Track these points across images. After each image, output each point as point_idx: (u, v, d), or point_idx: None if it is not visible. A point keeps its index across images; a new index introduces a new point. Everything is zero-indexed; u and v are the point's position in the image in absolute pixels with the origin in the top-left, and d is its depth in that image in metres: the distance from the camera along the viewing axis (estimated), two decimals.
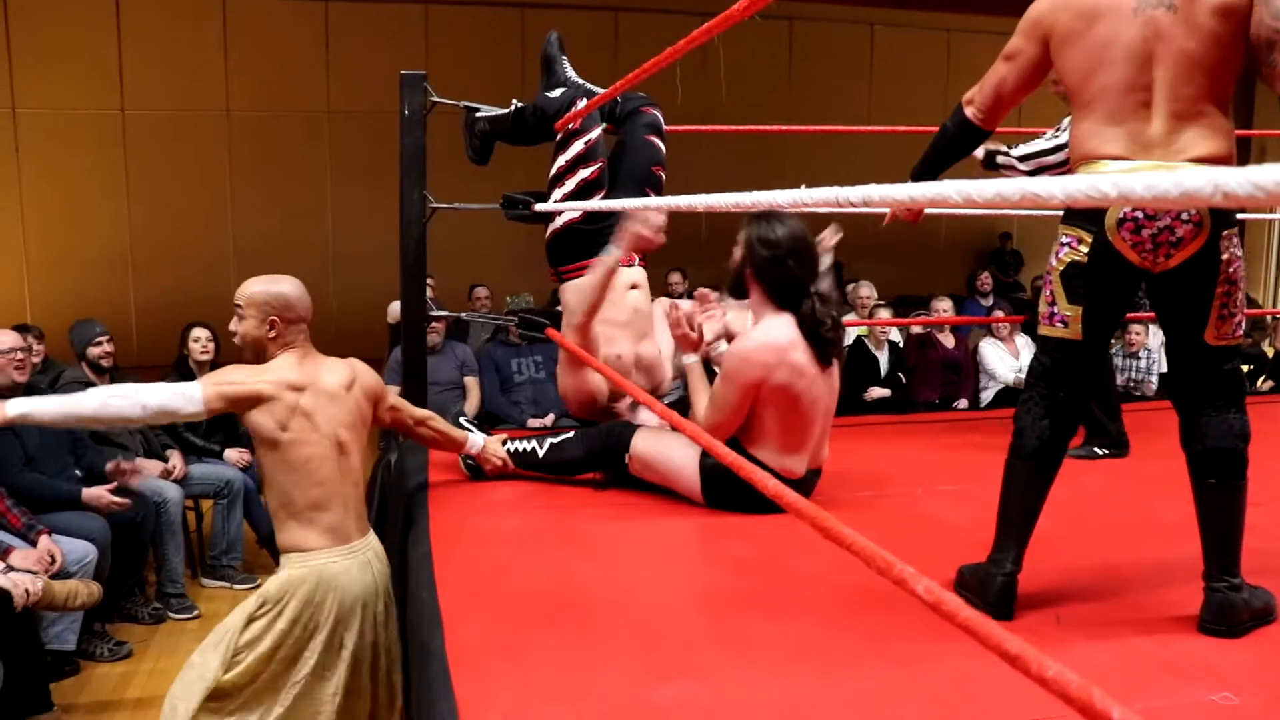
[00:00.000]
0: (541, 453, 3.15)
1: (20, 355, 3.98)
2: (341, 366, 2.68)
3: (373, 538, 2.66)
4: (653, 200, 3.16)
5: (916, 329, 6.62)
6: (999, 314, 7.43)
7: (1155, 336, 6.50)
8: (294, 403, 2.50)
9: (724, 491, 2.80)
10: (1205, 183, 0.64)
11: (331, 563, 2.51)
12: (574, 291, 3.26)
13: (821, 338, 2.76)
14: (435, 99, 3.75)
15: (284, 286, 2.60)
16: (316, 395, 2.55)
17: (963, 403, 6.37)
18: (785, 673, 1.82)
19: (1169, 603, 2.14)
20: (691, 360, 3.00)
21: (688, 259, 8.43)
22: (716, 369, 2.96)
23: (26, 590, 3.28)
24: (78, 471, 4.23)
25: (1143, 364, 6.49)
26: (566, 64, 3.70)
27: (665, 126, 3.61)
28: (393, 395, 2.96)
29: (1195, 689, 1.68)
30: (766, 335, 2.78)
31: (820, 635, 2.00)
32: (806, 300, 2.77)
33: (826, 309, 2.79)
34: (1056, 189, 0.81)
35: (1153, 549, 2.47)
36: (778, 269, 2.77)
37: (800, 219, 2.82)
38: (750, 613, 2.12)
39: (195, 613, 4.58)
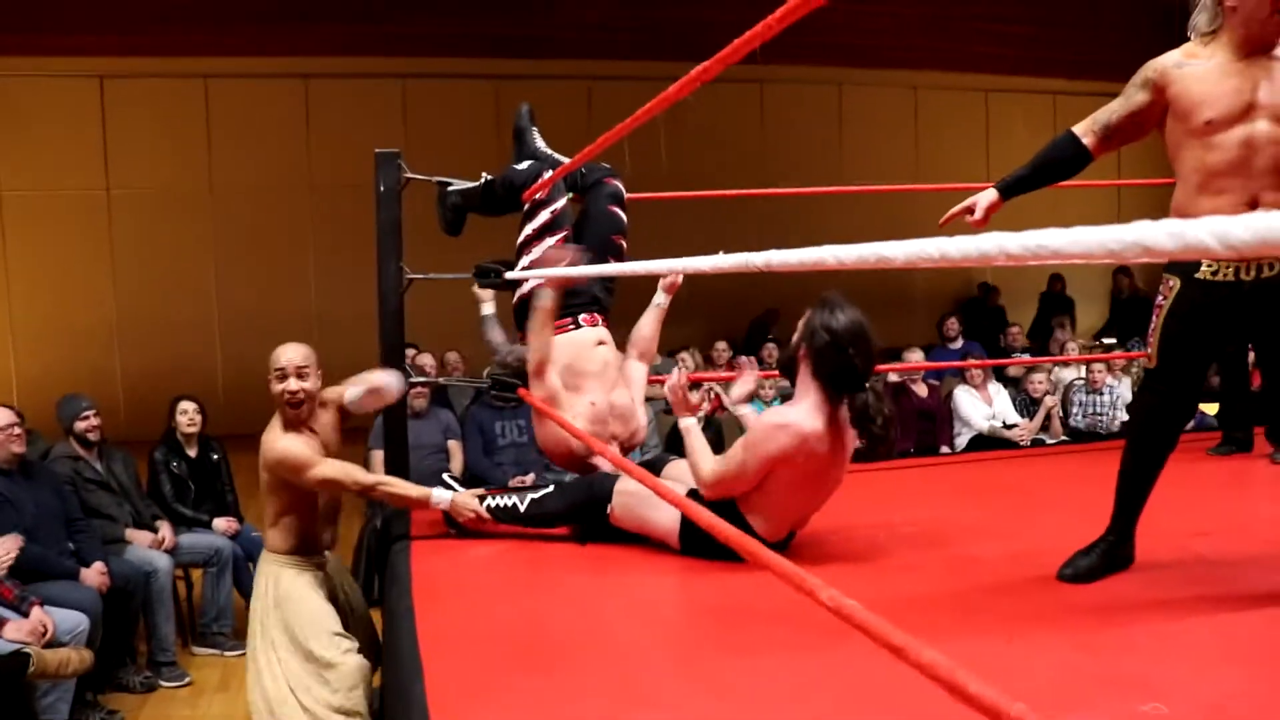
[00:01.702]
0: (523, 508, 3.23)
1: (17, 430, 4.25)
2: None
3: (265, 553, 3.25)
4: (612, 267, 3.31)
5: (893, 378, 6.76)
6: (971, 360, 7.56)
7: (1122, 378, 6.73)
8: None
9: (700, 538, 2.86)
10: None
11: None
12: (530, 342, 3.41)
13: (872, 434, 2.75)
14: (409, 175, 3.89)
15: None
16: None
17: (945, 450, 6.50)
18: (754, 706, 1.92)
19: (1115, 623, 2.26)
20: (688, 423, 3.02)
21: (671, 317, 8.54)
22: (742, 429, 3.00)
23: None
24: (70, 545, 4.32)
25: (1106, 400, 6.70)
26: (537, 135, 3.86)
27: (628, 195, 3.78)
28: (328, 466, 3.10)
29: (1129, 701, 1.79)
30: (800, 418, 2.77)
31: (787, 671, 2.10)
32: (861, 395, 2.75)
33: (880, 404, 2.77)
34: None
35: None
36: (838, 357, 2.73)
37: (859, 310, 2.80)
38: (721, 653, 2.22)
39: (186, 680, 4.62)
